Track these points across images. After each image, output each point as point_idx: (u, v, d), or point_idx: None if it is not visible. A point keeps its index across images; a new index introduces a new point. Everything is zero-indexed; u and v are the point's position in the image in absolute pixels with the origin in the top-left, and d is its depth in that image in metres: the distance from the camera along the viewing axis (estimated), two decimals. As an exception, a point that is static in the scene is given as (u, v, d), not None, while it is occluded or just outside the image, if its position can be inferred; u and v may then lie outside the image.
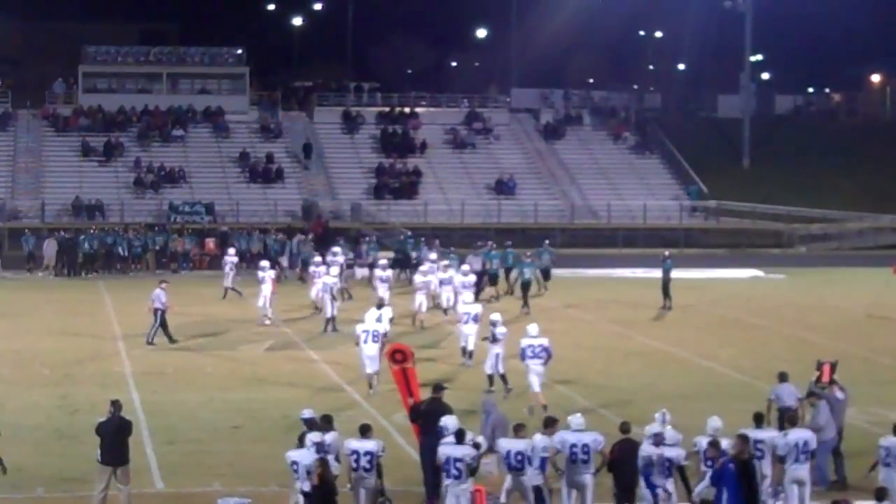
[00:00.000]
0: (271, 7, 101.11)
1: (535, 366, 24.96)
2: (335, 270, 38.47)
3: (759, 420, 18.73)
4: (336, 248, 42.93)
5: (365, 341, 26.85)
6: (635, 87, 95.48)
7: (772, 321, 38.31)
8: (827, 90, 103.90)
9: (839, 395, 20.72)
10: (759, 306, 41.63)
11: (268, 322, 36.04)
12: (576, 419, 18.07)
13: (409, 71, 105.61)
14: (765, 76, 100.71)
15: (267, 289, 36.38)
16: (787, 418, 18.81)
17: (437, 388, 19.79)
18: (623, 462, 17.68)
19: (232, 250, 45.14)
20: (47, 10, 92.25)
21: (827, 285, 48.40)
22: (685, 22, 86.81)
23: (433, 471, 18.19)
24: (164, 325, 33.06)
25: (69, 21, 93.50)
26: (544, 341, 25.19)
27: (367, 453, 17.44)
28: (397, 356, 20.93)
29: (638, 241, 59.42)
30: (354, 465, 17.39)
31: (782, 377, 22.01)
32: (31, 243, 49.70)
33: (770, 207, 65.35)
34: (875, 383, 21.46)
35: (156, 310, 33.01)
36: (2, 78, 75.35)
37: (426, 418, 19.17)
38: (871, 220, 64.66)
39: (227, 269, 42.64)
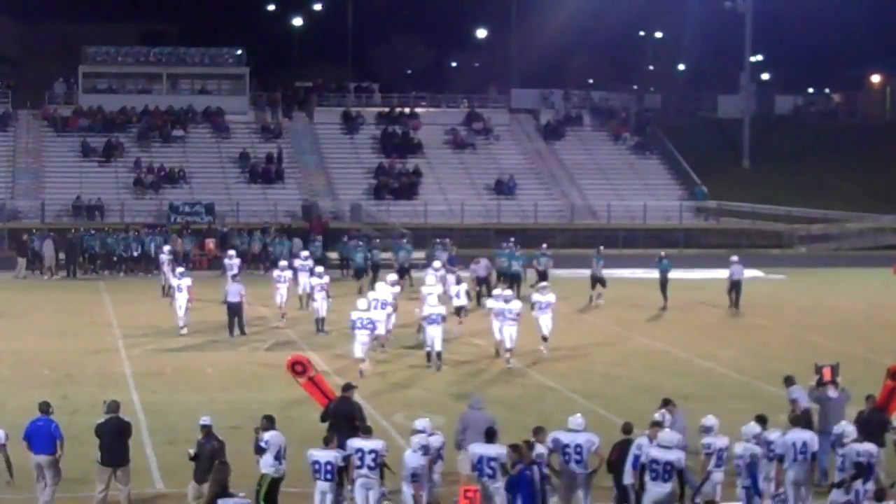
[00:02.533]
0: (271, 7, 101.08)
1: (362, 335, 28.83)
2: (320, 269, 38.18)
3: (762, 422, 18.71)
4: (305, 252, 41.40)
5: (375, 308, 31.03)
6: (635, 87, 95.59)
7: (772, 321, 38.34)
8: (827, 90, 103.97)
9: (831, 393, 20.69)
10: (760, 306, 41.63)
11: (184, 332, 34.49)
12: (575, 419, 18.07)
13: (409, 71, 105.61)
14: (765, 76, 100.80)
15: (182, 298, 34.54)
16: (791, 419, 18.81)
17: (347, 387, 20.09)
18: (623, 463, 17.66)
19: (167, 248, 45.30)
20: (47, 11, 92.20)
21: (827, 285, 48.43)
22: (685, 22, 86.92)
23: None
24: (237, 317, 34.20)
25: (69, 21, 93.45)
26: (372, 315, 29.33)
27: (371, 451, 17.47)
28: (297, 368, 20.83)
29: (638, 241, 59.38)
30: (358, 463, 17.42)
31: (789, 381, 21.90)
32: (37, 243, 49.61)
33: (770, 208, 65.36)
34: (875, 384, 21.37)
35: (234, 303, 33.97)
36: (2, 78, 75.31)
37: (335, 417, 19.43)
38: (871, 221, 64.67)
39: (164, 267, 42.85)
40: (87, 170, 65.09)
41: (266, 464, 17.64)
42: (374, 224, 59.28)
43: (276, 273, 37.89)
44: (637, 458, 17.44)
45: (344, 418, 19.19)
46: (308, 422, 22.21)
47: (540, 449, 17.38)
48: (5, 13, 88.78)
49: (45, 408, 18.79)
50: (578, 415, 18.33)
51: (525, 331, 30.89)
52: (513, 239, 46.11)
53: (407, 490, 17.23)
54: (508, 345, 30.03)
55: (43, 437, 18.34)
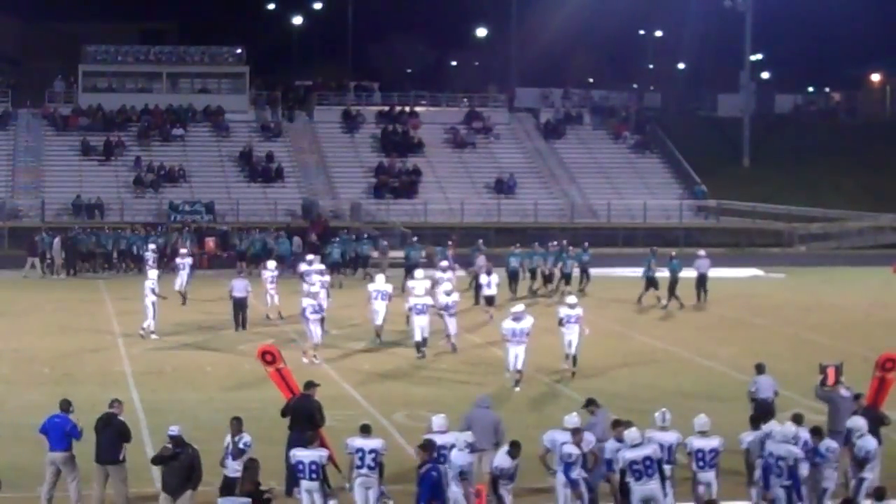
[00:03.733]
0: (271, 7, 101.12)
1: (314, 323, 30.47)
2: (320, 268, 38.04)
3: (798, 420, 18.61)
4: (310, 257, 40.29)
5: (376, 299, 32.73)
6: (635, 86, 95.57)
7: (772, 320, 38.32)
8: (827, 90, 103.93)
9: (844, 392, 20.66)
10: (760, 306, 41.65)
11: (142, 333, 33.90)
12: (571, 418, 18.03)
13: (409, 70, 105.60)
14: (765, 75, 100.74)
15: (149, 300, 33.91)
16: (792, 417, 18.77)
17: (309, 385, 20.06)
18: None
19: (152, 246, 45.46)
20: (47, 10, 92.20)
21: (827, 285, 48.43)
22: (685, 21, 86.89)
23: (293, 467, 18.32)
24: (242, 312, 34.99)
25: (69, 20, 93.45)
26: (319, 302, 30.93)
27: (371, 451, 17.45)
28: (267, 357, 20.91)
29: (638, 240, 59.38)
30: (359, 463, 17.40)
31: (759, 369, 22.40)
32: (46, 243, 49.59)
33: (770, 207, 65.38)
34: (875, 382, 21.44)
35: (240, 298, 34.75)
36: (2, 77, 75.31)
37: (294, 414, 19.54)
38: (871, 220, 64.71)
39: (150, 263, 42.78)
40: (87, 169, 65.12)
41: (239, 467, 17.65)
42: (373, 223, 59.29)
43: (264, 273, 37.67)
44: (610, 462, 17.43)
45: (303, 415, 19.37)
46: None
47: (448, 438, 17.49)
48: (5, 13, 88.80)
49: (65, 406, 18.91)
50: (574, 413, 18.31)
51: (544, 348, 30.47)
52: (566, 241, 45.32)
53: (456, 489, 17.05)
54: (519, 366, 27.58)
55: (58, 434, 18.46)
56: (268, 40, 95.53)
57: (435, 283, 36.29)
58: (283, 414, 19.94)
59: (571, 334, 28.92)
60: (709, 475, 17.72)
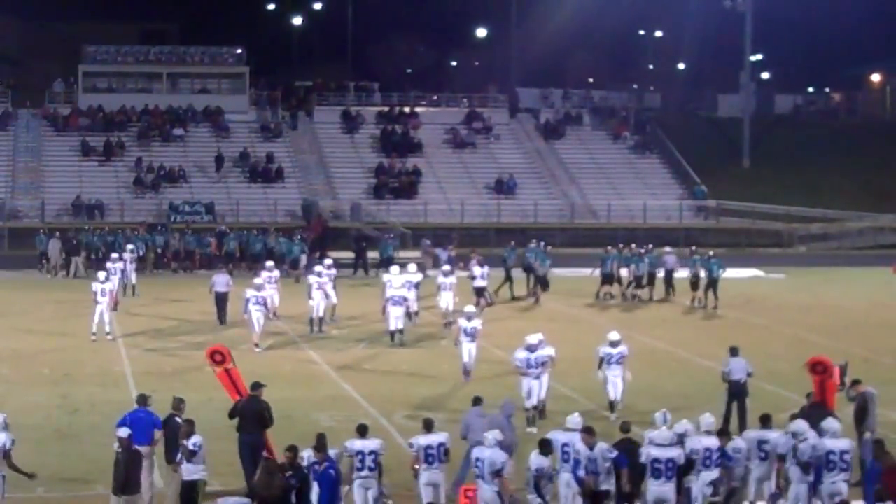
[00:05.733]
0: (271, 7, 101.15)
1: (256, 312, 32.17)
2: (319, 269, 37.89)
3: (764, 421, 18.67)
4: (329, 260, 38.87)
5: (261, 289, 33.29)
6: (635, 86, 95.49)
7: (772, 320, 38.31)
8: (827, 90, 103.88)
9: (872, 389, 20.73)
10: (760, 306, 41.63)
11: (110, 338, 33.44)
12: (573, 418, 18.03)
13: (409, 70, 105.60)
14: (765, 76, 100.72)
15: (105, 303, 33.51)
16: (790, 418, 18.79)
17: (255, 386, 20.07)
18: (621, 462, 17.64)
19: (130, 246, 44.28)
20: (47, 10, 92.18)
21: (827, 285, 48.42)
22: (685, 22, 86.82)
23: (251, 465, 18.56)
24: (222, 307, 35.80)
25: (69, 20, 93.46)
26: (271, 294, 33.49)
27: (371, 453, 17.45)
28: (216, 357, 20.92)
29: (638, 240, 59.26)
30: (359, 465, 17.38)
31: (733, 351, 22.81)
32: (44, 243, 49.54)
33: (770, 207, 65.36)
34: (875, 383, 21.38)
35: (221, 293, 35.61)
36: (2, 77, 75.29)
37: (243, 415, 19.68)
38: (871, 220, 64.71)
39: (126, 265, 42.19)
40: (87, 169, 65.12)
41: (198, 469, 17.64)
42: (373, 223, 59.29)
43: (264, 275, 36.79)
44: (578, 462, 17.34)
45: (252, 416, 19.50)
46: (308, 422, 22.22)
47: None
48: (5, 13, 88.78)
49: (143, 400, 19.14)
50: (576, 413, 18.31)
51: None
52: (634, 244, 44.46)
53: (488, 487, 17.01)
54: (534, 402, 24.30)
55: (144, 427, 18.45)
56: (268, 40, 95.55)
57: (438, 287, 36.04)
58: (231, 416, 19.98)
59: (614, 377, 24.89)
60: (713, 474, 17.73)
